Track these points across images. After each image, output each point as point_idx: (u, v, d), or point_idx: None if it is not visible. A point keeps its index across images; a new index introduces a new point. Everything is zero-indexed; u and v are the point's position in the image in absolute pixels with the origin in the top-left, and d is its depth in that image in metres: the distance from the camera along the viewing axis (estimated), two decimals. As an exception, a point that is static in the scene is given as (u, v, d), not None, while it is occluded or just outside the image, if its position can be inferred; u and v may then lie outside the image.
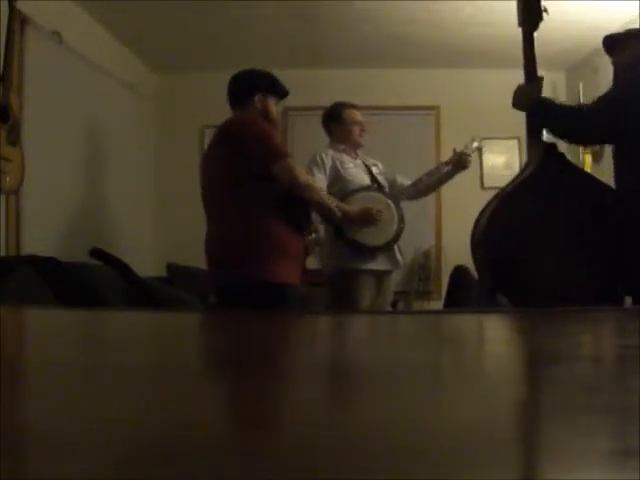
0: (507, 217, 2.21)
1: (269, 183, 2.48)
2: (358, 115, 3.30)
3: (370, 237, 3.09)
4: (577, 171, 2.29)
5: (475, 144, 3.45)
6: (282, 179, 2.47)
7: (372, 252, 3.12)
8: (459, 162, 3.28)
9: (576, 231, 2.10)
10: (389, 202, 3.20)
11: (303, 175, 2.57)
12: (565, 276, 2.07)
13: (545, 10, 2.24)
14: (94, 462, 0.25)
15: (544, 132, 2.25)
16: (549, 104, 2.26)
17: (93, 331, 0.89)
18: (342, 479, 0.23)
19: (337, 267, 3.11)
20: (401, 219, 3.20)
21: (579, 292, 2.04)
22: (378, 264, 3.14)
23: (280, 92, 2.75)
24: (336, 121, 3.29)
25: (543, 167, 2.20)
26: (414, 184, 3.34)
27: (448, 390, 0.43)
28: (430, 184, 3.38)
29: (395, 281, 3.53)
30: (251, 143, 2.48)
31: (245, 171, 2.48)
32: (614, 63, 2.37)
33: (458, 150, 3.31)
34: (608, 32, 2.52)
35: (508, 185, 2.29)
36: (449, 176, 3.36)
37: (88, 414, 0.33)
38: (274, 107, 2.70)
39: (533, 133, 2.25)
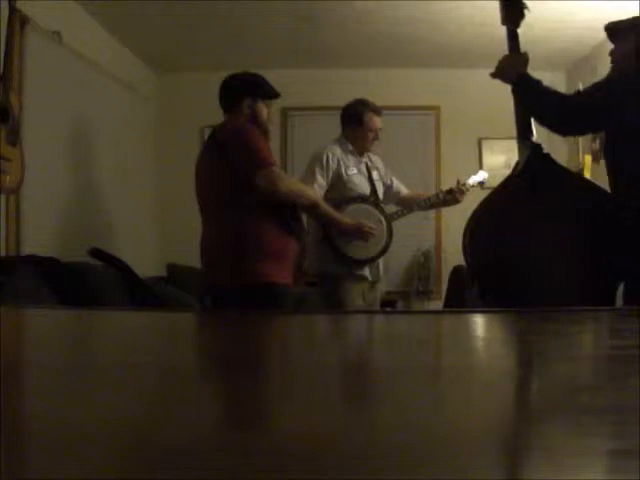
0: (489, 219, 2.20)
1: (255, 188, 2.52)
2: (378, 122, 3.26)
3: (356, 250, 3.12)
4: (562, 171, 2.28)
5: (480, 178, 3.47)
6: (264, 189, 2.50)
7: (356, 263, 3.15)
8: (453, 197, 3.31)
9: (561, 232, 2.09)
10: (382, 219, 3.23)
11: (284, 183, 2.58)
12: (549, 278, 2.06)
13: (526, 7, 2.22)
14: (94, 462, 0.25)
15: (533, 132, 2.23)
16: (534, 84, 2.22)
17: (93, 331, 0.89)
18: (343, 479, 0.23)
19: (322, 270, 3.14)
20: (390, 236, 3.23)
21: (565, 292, 2.03)
22: (361, 272, 3.17)
23: (269, 95, 2.71)
24: (355, 122, 3.25)
25: (527, 168, 2.18)
26: (409, 207, 3.38)
27: (447, 391, 0.43)
28: (424, 208, 3.49)
29: (395, 281, 3.52)
30: (236, 152, 2.51)
31: (232, 177, 2.52)
32: (610, 54, 2.34)
33: (462, 181, 3.33)
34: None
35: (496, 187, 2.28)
36: (442, 205, 3.45)
37: (88, 414, 0.33)
38: (263, 111, 2.68)
39: (522, 133, 2.24)
